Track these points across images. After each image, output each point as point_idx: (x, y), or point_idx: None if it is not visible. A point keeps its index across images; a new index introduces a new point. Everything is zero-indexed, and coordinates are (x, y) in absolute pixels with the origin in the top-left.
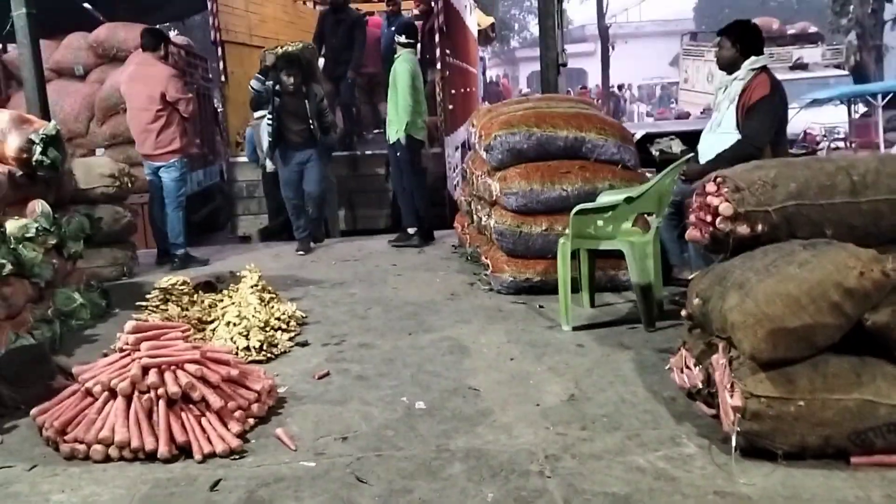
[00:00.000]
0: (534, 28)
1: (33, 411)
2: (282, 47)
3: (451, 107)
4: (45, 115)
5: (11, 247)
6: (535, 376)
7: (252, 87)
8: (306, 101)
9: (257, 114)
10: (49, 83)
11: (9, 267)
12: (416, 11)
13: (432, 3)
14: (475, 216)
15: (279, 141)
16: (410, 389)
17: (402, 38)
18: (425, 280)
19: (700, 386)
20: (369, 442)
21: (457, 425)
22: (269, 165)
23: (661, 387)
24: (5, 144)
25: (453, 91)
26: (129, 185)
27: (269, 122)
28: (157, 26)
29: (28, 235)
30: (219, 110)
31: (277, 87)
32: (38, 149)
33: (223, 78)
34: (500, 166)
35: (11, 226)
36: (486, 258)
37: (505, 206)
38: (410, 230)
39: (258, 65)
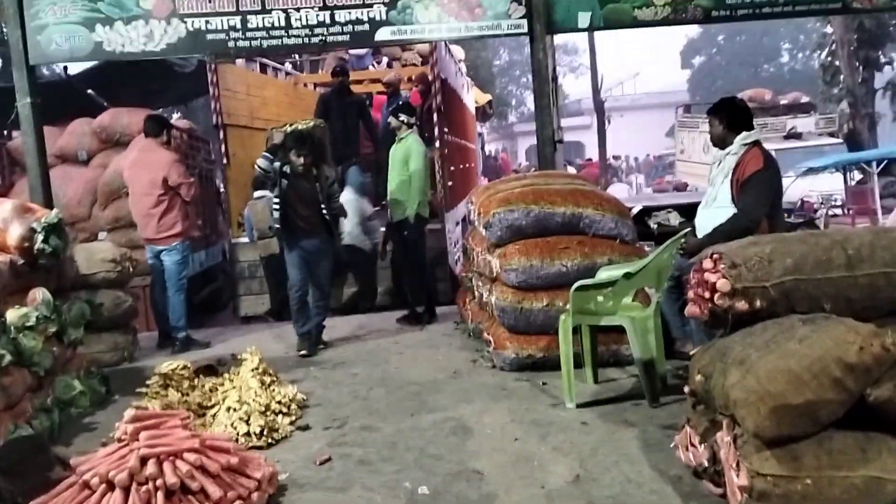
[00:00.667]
0: (531, 103)
1: None
2: (291, 125)
3: (450, 183)
4: (48, 201)
5: (11, 336)
6: (539, 457)
7: (258, 167)
8: (317, 184)
9: (257, 193)
10: (52, 168)
11: (8, 357)
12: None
13: (430, 83)
14: (476, 292)
15: (285, 227)
16: (413, 474)
17: (407, 118)
18: (427, 357)
19: (706, 464)
20: None
21: None
22: (262, 247)
23: (667, 465)
24: (7, 234)
25: (452, 167)
26: (131, 269)
27: (276, 205)
28: (160, 110)
29: (28, 324)
30: (221, 191)
31: (286, 168)
32: (40, 237)
33: (225, 160)
34: (500, 243)
35: (12, 315)
36: (489, 334)
37: (505, 282)
38: (419, 308)
39: (261, 146)
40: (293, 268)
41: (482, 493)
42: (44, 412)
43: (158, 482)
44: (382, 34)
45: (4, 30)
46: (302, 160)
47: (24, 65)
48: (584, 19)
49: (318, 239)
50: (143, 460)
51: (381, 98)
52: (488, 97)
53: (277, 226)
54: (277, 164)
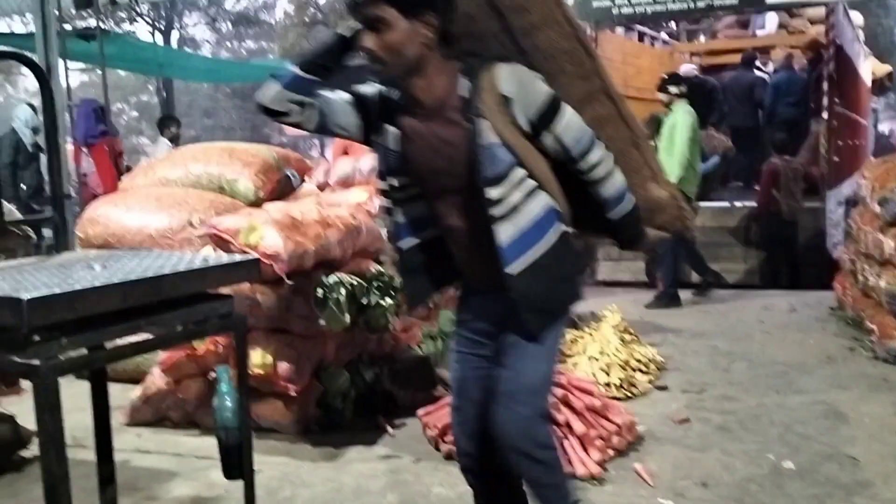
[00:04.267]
0: None
1: (419, 412)
2: None
3: (836, 159)
4: None
5: None
6: None
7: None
8: None
9: None
10: None
11: None
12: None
13: (821, 51)
14: (860, 277)
15: None
16: (777, 448)
17: (676, 89)
18: (796, 340)
19: None
20: (731, 492)
21: (830, 491)
22: None
23: None
24: None
25: (840, 143)
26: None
27: None
28: None
29: None
30: None
31: None
32: None
33: None
34: None
35: None
36: (871, 322)
37: None
38: (670, 289)
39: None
40: None
41: (856, 479)
42: (430, 339)
43: None
44: None
45: None
46: None
47: None
48: None
49: None
50: None
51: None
52: (888, 68)
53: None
54: None
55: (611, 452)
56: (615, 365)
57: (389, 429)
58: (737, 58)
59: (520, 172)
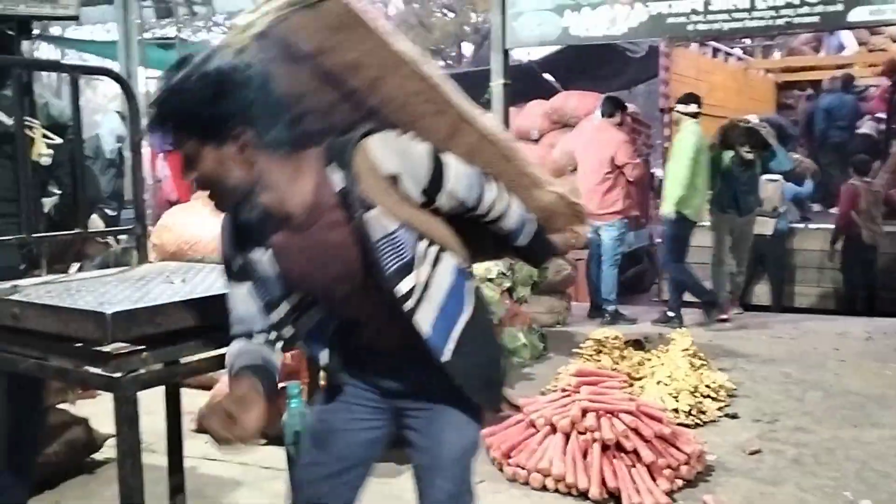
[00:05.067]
0: None
1: (483, 432)
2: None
3: None
4: None
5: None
6: None
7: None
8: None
9: None
10: None
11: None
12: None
13: None
14: None
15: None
16: (854, 485)
17: (685, 108)
18: (873, 370)
19: None
20: None
21: None
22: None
23: None
24: None
25: None
26: (574, 241)
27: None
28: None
29: (489, 277)
30: (654, 175)
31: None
32: None
33: (667, 144)
34: None
35: (476, 267)
36: None
37: None
38: (670, 313)
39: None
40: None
41: None
42: None
43: (596, 434)
44: (858, 14)
45: (480, 18)
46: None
47: (501, 48)
48: None
49: None
50: (584, 412)
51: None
52: None
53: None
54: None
55: (679, 482)
56: (684, 391)
57: None
58: (811, 75)
59: (422, 246)
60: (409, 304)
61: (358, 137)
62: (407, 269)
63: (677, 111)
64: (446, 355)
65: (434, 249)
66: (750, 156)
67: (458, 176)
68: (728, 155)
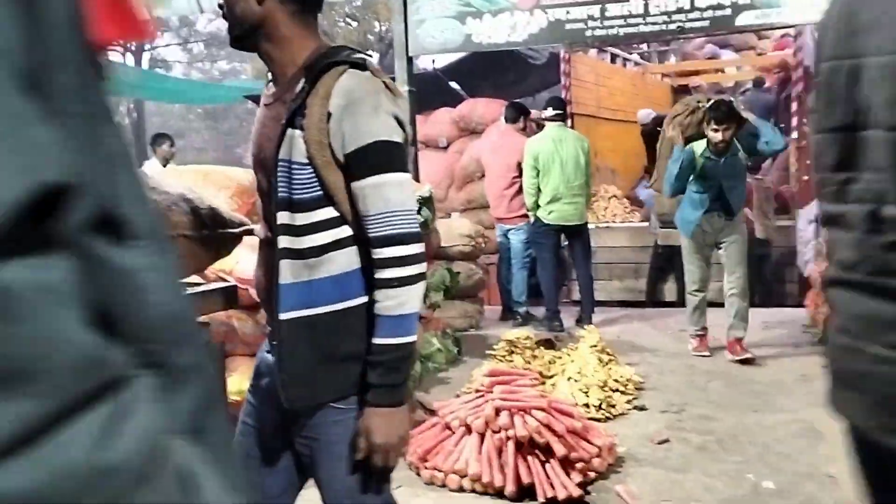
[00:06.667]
0: None
1: None
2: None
3: (805, 178)
4: (416, 180)
5: None
6: None
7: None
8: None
9: None
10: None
11: None
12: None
13: (791, 71)
14: None
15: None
16: (757, 468)
17: (546, 113)
18: (772, 357)
19: None
20: None
21: None
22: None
23: None
24: None
25: (808, 162)
26: (483, 245)
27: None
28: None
29: None
30: None
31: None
32: (415, 208)
33: None
34: None
35: None
36: None
37: None
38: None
39: (608, 136)
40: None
41: (835, 498)
42: None
43: (510, 432)
44: (745, 18)
45: (383, 27)
46: (721, 135)
47: (404, 55)
48: None
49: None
50: (497, 411)
51: None
52: None
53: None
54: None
55: (592, 475)
56: (594, 386)
57: None
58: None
59: (327, 213)
60: (282, 243)
61: (347, 61)
62: (291, 205)
63: (541, 118)
64: (289, 314)
65: (343, 232)
66: (718, 136)
67: (380, 193)
68: (700, 148)
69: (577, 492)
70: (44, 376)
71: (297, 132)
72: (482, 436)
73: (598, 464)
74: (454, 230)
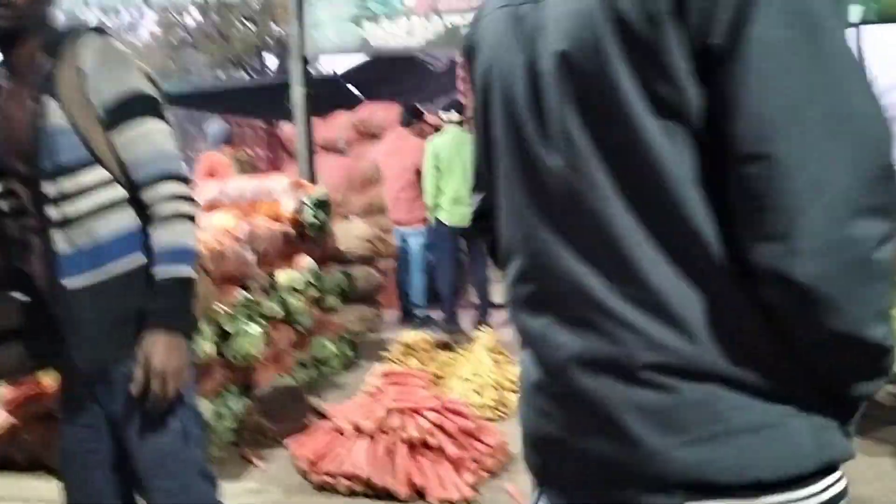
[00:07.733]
0: None
1: (288, 442)
2: None
3: None
4: (313, 183)
5: (280, 296)
6: None
7: None
8: None
9: None
10: (315, 156)
11: (279, 312)
12: None
13: None
14: None
15: None
16: None
17: (446, 115)
18: None
19: None
20: None
21: None
22: None
23: None
24: (281, 205)
25: None
26: (381, 248)
27: None
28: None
29: (295, 287)
30: None
31: None
32: (310, 211)
33: None
34: None
35: (282, 277)
36: None
37: None
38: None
39: None
40: None
41: None
42: (303, 367)
43: (402, 434)
44: None
45: (280, 30)
46: None
47: (299, 56)
48: (855, 13)
49: None
50: (389, 412)
51: None
52: None
53: None
54: None
55: (484, 474)
56: (488, 386)
57: (258, 461)
58: None
59: (97, 175)
60: (52, 214)
61: (87, 28)
62: (58, 172)
63: (443, 120)
64: (74, 280)
65: (116, 194)
66: None
67: (142, 139)
68: None
69: (468, 492)
70: None
71: (52, 101)
72: (374, 438)
73: (490, 463)
74: (352, 233)
